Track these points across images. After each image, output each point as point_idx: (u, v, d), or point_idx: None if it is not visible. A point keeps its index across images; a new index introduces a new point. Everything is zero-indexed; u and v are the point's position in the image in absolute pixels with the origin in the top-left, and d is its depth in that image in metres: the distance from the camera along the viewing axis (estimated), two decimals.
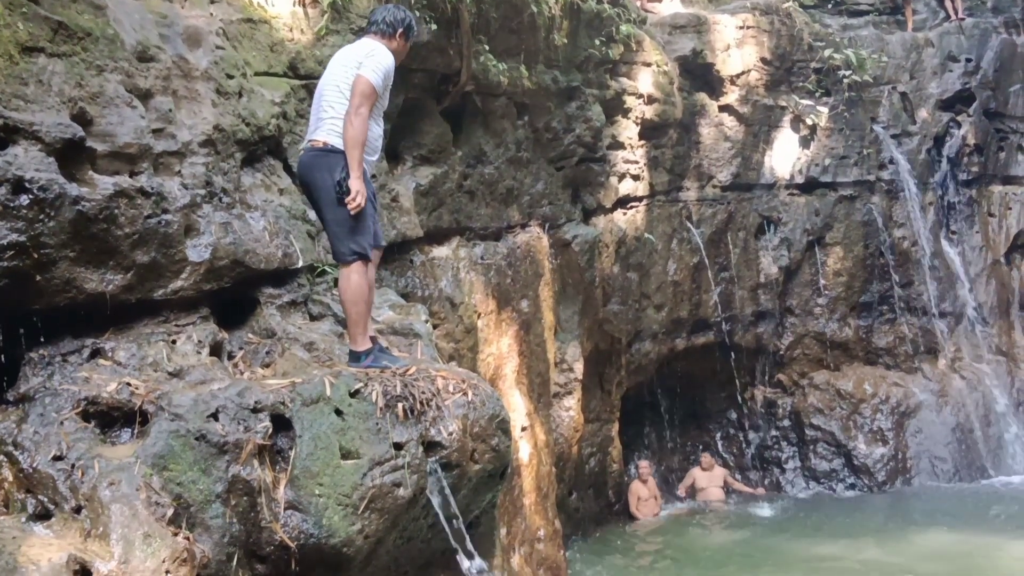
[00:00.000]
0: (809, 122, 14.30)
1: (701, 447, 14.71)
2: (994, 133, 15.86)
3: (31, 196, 3.45)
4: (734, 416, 14.84)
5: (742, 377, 14.41)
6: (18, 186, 3.41)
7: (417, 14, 7.15)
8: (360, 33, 5.90)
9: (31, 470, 3.24)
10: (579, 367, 10.82)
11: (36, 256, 3.52)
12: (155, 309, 4.32)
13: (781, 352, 14.56)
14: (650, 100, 11.92)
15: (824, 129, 14.46)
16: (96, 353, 3.95)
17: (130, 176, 4.12)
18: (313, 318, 5.39)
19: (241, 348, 4.79)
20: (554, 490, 9.62)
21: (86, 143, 3.87)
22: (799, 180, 14.48)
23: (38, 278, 3.60)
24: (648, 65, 11.90)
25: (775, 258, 14.23)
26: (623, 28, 11.01)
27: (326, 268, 5.68)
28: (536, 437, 9.16)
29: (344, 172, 4.39)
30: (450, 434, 4.21)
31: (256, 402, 3.72)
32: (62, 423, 3.42)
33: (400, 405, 4.10)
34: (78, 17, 4.09)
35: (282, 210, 5.45)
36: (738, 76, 13.57)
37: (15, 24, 3.70)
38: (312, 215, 5.58)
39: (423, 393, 4.24)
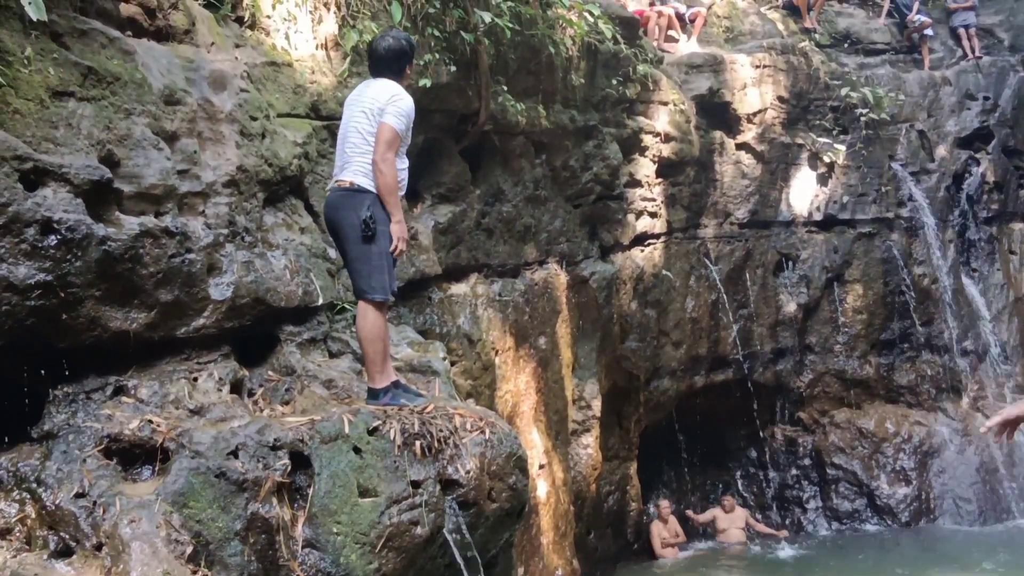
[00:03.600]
0: (827, 160, 14.34)
1: (721, 486, 14.57)
2: (1013, 171, 15.84)
3: (59, 236, 3.52)
4: (754, 454, 14.70)
5: (762, 415, 14.28)
6: (47, 227, 3.48)
7: (437, 56, 7.28)
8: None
9: (53, 507, 3.26)
10: (597, 404, 10.75)
11: (63, 295, 3.58)
12: (177, 347, 4.37)
13: (801, 390, 14.44)
14: (667, 138, 12.00)
15: (842, 167, 14.49)
16: (119, 391, 4.00)
17: (155, 216, 4.20)
18: (332, 355, 5.44)
19: (261, 385, 4.84)
20: (572, 529, 9.53)
21: (113, 184, 3.95)
22: (817, 217, 14.49)
23: (64, 317, 3.65)
24: (665, 104, 12.00)
25: (794, 295, 14.18)
26: (640, 68, 11.14)
27: (345, 306, 5.74)
28: (554, 475, 9.11)
29: (369, 211, 4.52)
30: (467, 472, 4.21)
31: (275, 439, 3.74)
32: (84, 460, 3.45)
33: (418, 443, 4.11)
34: (107, 62, 4.20)
35: (303, 248, 5.52)
36: (755, 114, 13.66)
37: (46, 69, 3.80)
38: (333, 253, 5.67)
39: (441, 431, 4.26)
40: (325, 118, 6.39)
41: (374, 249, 4.61)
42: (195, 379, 4.34)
